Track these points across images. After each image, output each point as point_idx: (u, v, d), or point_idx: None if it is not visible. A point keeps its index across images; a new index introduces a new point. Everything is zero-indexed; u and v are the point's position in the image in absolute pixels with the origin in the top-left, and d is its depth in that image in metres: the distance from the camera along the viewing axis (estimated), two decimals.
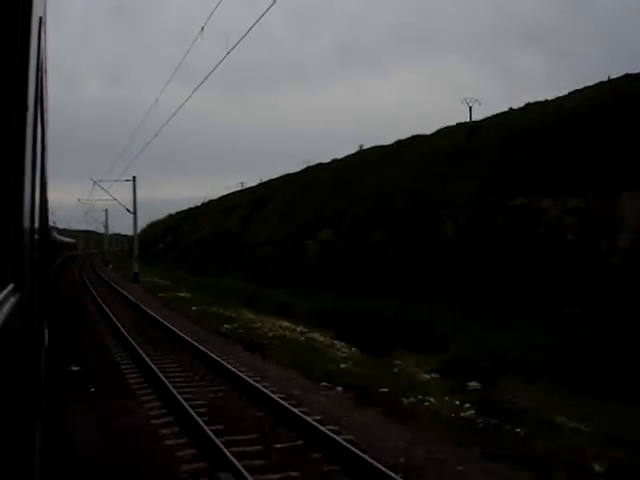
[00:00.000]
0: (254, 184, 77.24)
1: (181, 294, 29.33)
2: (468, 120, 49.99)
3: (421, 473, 6.70)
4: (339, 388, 10.80)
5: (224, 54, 16.46)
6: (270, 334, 16.64)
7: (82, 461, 6.73)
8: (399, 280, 34.38)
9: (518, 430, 8.46)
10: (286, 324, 19.15)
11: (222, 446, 7.07)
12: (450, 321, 26.87)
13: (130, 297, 26.78)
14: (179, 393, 9.75)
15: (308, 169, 59.92)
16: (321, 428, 7.86)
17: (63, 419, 8.10)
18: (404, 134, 49.06)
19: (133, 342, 14.44)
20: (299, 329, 18.10)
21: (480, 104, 54.99)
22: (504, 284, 28.31)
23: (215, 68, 18.22)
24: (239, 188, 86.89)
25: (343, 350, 15.29)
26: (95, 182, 41.83)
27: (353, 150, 55.05)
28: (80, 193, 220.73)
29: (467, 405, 9.62)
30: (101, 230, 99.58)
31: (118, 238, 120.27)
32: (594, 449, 8.23)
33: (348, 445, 7.25)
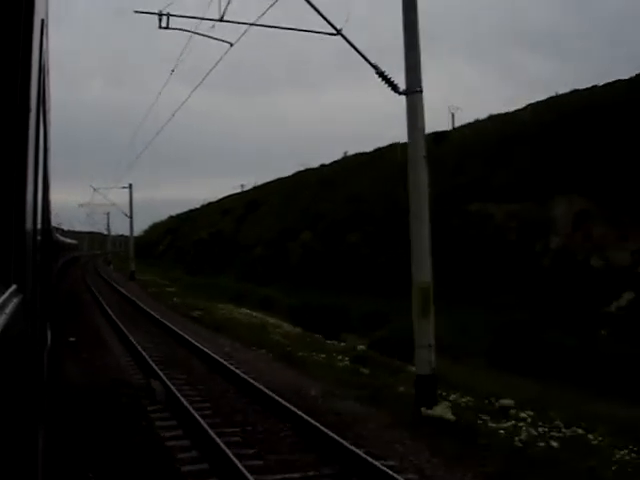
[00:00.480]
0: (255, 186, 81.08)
1: (169, 289, 33.58)
2: (451, 127, 53.93)
3: (282, 391, 10.75)
4: (263, 350, 14.96)
5: (227, 50, 14.93)
6: (230, 318, 20.84)
7: (74, 381, 10.88)
8: (370, 278, 38.41)
9: (367, 371, 12.58)
10: (247, 311, 23.31)
11: (159, 371, 11.28)
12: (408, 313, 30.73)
13: (124, 291, 31.07)
14: (144, 350, 13.88)
15: (298, 174, 64.06)
16: (229, 366, 12.05)
17: (64, 364, 12.25)
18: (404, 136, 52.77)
19: (117, 320, 18.67)
20: (259, 315, 22.26)
21: (462, 111, 59.03)
22: (458, 278, 32.26)
23: (219, 61, 16.12)
24: (240, 190, 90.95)
25: (287, 330, 19.43)
26: (95, 189, 46.26)
27: (359, 150, 58.79)
28: (84, 195, 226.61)
29: (346, 359, 13.76)
30: (106, 232, 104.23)
31: (121, 239, 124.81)
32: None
33: (244, 375, 11.39)
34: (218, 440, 7.41)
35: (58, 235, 29.56)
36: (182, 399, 9.32)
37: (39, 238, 2.57)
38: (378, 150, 53.02)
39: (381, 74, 9.11)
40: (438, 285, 32.37)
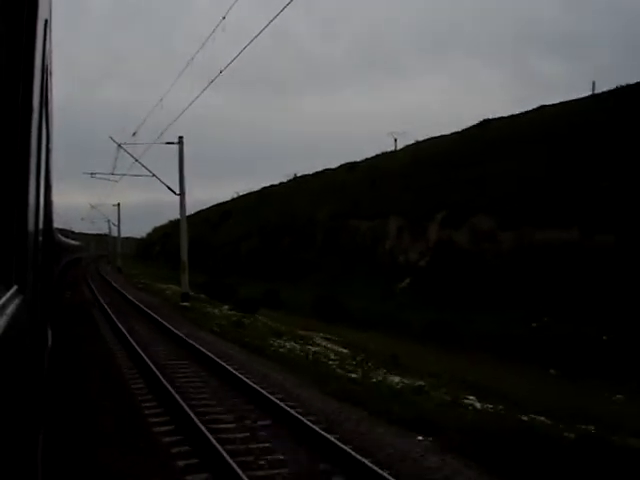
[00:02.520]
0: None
1: (141, 278, 52.01)
2: (394, 149, 71.34)
3: (146, 304, 28.66)
4: (156, 296, 33.09)
5: (239, 52, 16.62)
6: (157, 288, 39.04)
7: (68, 300, 28.96)
8: (290, 270, 56.25)
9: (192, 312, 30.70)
10: (173, 286, 41.33)
11: (100, 299, 29.43)
12: (303, 291, 48.25)
13: (108, 278, 49.58)
14: (100, 296, 31.87)
15: (263, 189, 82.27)
16: (131, 298, 30.15)
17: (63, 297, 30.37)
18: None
19: (95, 289, 36.88)
20: (174, 287, 40.29)
21: (405, 137, 76.51)
22: (339, 269, 49.91)
23: (230, 63, 17.89)
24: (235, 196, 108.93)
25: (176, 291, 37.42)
26: (93, 206, 65.03)
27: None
28: (92, 197, 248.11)
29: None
30: (113, 233, 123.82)
31: (126, 241, 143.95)
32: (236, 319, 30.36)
33: (135, 301, 29.44)
34: (110, 312, 25.52)
35: (60, 236, 34.54)
36: (105, 305, 27.50)
37: (40, 239, 2.69)
38: (315, 173, 71.12)
39: (169, 188, 27.02)
40: (332, 274, 51.63)
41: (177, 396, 10.65)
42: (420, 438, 9.68)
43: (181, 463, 8.04)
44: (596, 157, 36.39)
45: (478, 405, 11.39)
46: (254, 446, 8.77)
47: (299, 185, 70.87)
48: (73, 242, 66.57)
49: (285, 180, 79.25)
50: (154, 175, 26.80)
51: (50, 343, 6.48)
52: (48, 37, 2.40)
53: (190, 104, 24.45)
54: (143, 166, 27.20)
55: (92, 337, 18.41)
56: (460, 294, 36.72)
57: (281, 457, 8.41)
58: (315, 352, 16.87)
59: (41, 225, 2.57)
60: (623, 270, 29.47)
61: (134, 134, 27.16)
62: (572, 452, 8.23)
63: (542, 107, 45.75)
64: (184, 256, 28.46)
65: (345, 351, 19.09)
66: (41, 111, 1.91)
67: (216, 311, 26.01)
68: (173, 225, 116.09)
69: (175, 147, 26.92)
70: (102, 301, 28.34)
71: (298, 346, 17.44)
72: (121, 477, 7.40)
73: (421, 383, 13.22)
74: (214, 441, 8.27)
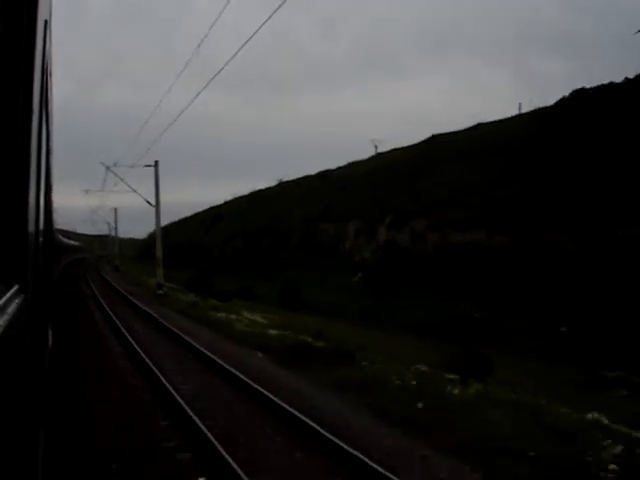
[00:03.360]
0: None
1: (135, 275, 60.14)
2: (374, 154, 79.12)
3: (129, 292, 36.70)
4: (137, 286, 41.19)
5: (238, 52, 16.54)
6: (146, 282, 47.16)
7: (70, 291, 37.01)
8: (268, 268, 64.25)
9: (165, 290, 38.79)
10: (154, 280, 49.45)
11: (94, 289, 37.50)
12: (277, 286, 56.22)
13: (104, 275, 57.75)
14: (95, 288, 39.86)
15: (252, 193, 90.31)
16: (119, 288, 38.21)
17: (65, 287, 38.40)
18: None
19: (92, 284, 44.98)
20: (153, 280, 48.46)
21: (384, 143, 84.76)
22: (310, 266, 57.77)
23: (230, 60, 17.77)
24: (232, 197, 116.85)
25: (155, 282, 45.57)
26: (92, 210, 73.24)
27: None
28: (91, 198, 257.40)
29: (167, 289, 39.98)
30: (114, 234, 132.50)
31: (128, 242, 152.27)
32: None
33: (122, 290, 37.49)
34: (100, 298, 33.59)
35: (61, 237, 36.48)
36: (96, 294, 35.58)
37: (41, 239, 2.73)
38: (296, 179, 79.12)
39: (147, 201, 34.93)
40: (302, 271, 60.67)
41: (118, 322, 18.91)
42: (260, 355, 17.60)
43: (114, 345, 16.02)
44: (515, 168, 44.26)
45: (309, 340, 19.27)
46: (151, 344, 16.78)
47: (284, 190, 78.84)
48: (74, 243, 72.72)
49: (271, 185, 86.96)
50: (135, 191, 34.86)
51: (50, 343, 6.63)
52: (48, 37, 2.47)
53: (189, 105, 25.87)
54: (127, 185, 35.41)
55: (83, 304, 26.63)
56: (397, 286, 44.64)
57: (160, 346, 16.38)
58: (235, 319, 24.76)
59: (41, 225, 2.67)
60: (513, 263, 37.32)
61: (115, 164, 35.33)
62: (323, 352, 16.23)
63: (479, 125, 53.53)
64: (159, 253, 36.48)
65: (265, 321, 26.96)
66: (41, 111, 1.97)
67: (182, 297, 33.97)
68: (165, 229, 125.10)
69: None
70: (95, 290, 36.35)
71: (224, 316, 25.31)
72: None
73: (287, 333, 21.10)
74: (132, 340, 16.53)
